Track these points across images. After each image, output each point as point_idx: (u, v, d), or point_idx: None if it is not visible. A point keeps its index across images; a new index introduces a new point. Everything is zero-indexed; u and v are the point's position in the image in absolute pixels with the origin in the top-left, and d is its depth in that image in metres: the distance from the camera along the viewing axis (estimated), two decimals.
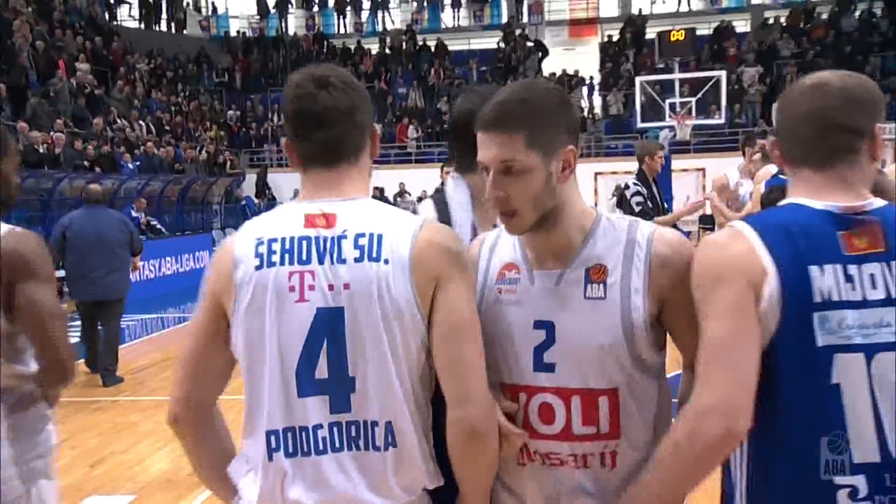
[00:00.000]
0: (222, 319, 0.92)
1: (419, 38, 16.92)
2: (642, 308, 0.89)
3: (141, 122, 13.14)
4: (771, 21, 15.64)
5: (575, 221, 0.94)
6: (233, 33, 18.50)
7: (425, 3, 17.09)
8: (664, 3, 16.37)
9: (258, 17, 18.07)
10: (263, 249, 0.90)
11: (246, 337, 0.89)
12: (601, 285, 0.90)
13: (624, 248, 0.92)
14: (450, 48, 16.20)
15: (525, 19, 16.13)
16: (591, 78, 15.39)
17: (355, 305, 0.88)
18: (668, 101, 12.98)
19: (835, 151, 0.86)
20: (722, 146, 13.74)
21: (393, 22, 17.74)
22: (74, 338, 6.31)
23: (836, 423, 0.84)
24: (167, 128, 13.95)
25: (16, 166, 1.51)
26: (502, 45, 15.84)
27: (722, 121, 13.53)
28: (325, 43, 17.36)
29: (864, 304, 0.84)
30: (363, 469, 0.90)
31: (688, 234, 7.38)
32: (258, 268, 0.89)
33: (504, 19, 16.37)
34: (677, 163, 11.78)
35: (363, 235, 0.89)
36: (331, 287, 0.88)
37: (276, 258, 0.89)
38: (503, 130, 0.87)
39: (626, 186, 4.60)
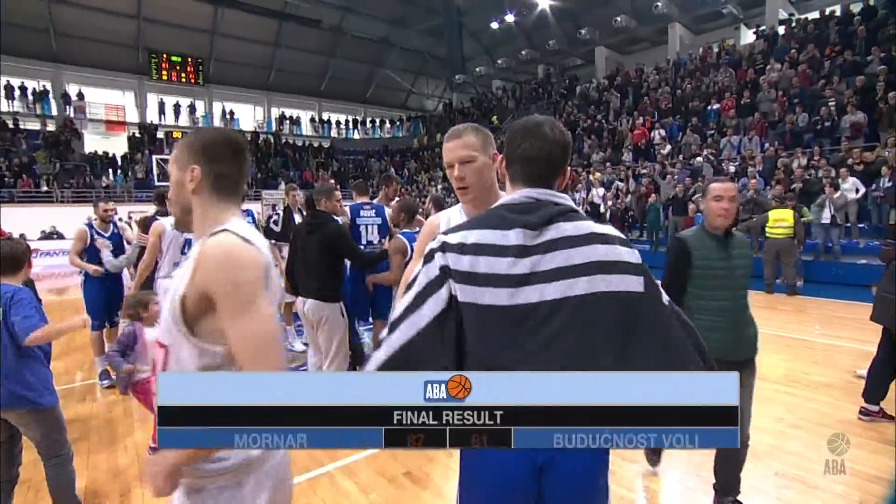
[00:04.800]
0: None
1: None
2: None
3: None
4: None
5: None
6: None
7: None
8: (174, 118, 25.72)
9: None
10: None
11: None
12: None
13: None
14: (21, 127, 20.48)
15: (72, 115, 22.01)
16: (125, 156, 22.40)
17: None
18: None
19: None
20: None
21: None
22: None
23: None
24: None
25: None
26: (53, 128, 21.43)
27: None
28: None
29: None
30: None
31: None
32: None
33: (55, 113, 21.83)
34: None
35: None
36: None
37: None
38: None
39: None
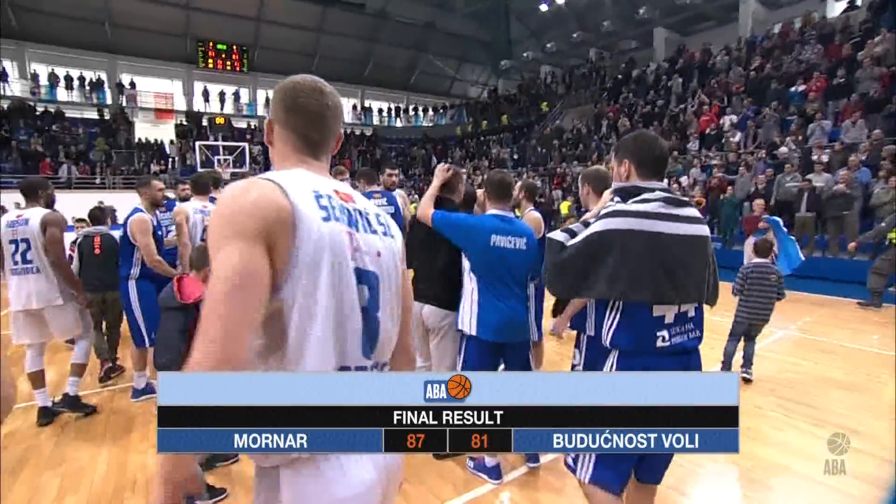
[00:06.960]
0: None
1: (43, 106, 20.53)
2: None
3: None
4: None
5: None
6: None
7: (47, 82, 21.01)
8: (215, 104, 25.76)
9: None
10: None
11: None
12: None
13: None
14: (68, 115, 20.87)
15: (124, 103, 22.40)
16: (172, 142, 22.63)
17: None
18: (216, 158, 19.60)
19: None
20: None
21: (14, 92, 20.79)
22: None
23: None
24: None
25: None
26: (107, 116, 21.88)
27: (247, 168, 20.00)
28: None
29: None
30: None
31: None
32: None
33: (109, 102, 22.22)
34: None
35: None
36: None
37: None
38: None
39: None
